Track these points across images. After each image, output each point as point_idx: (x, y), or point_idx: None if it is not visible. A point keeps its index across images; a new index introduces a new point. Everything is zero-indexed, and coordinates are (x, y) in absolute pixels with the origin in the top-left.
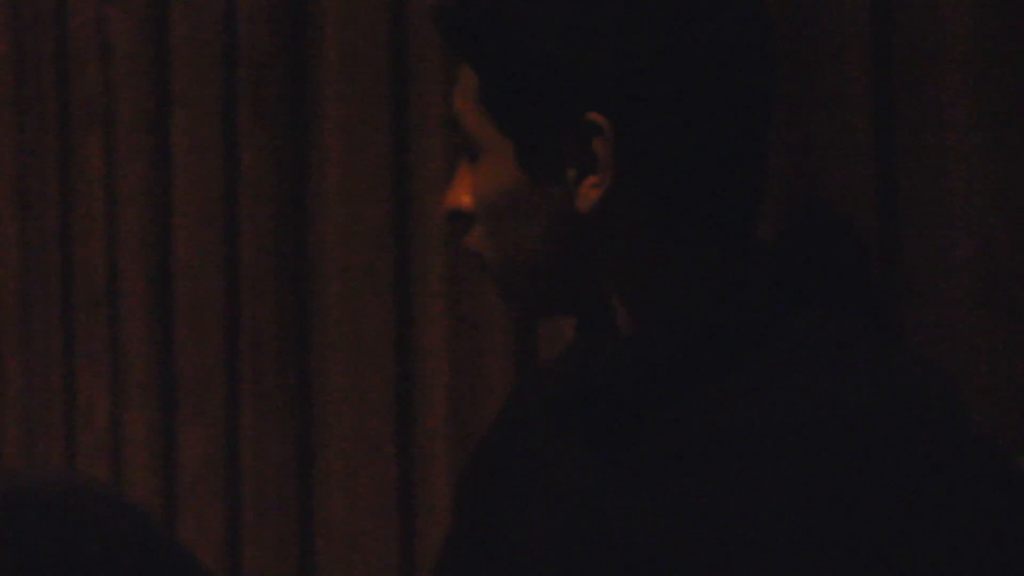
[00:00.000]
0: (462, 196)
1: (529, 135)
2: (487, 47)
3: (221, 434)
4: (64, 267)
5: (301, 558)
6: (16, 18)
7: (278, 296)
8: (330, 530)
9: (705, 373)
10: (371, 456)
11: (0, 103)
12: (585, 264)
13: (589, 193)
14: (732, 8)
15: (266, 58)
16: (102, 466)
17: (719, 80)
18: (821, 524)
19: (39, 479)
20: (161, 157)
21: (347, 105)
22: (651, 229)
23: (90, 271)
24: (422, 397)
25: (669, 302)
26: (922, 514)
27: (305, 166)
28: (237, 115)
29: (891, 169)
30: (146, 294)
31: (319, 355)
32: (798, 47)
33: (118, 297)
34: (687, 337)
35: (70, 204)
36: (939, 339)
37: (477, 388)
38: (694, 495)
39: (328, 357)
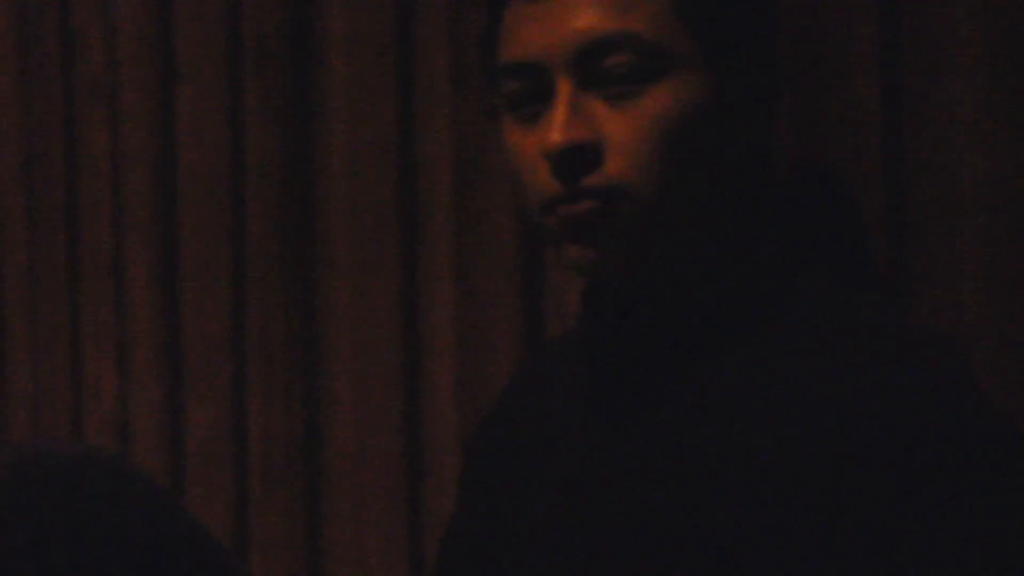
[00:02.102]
0: (583, 129)
1: (736, 43)
2: None
3: (228, 409)
4: (70, 243)
5: (308, 532)
6: None
7: (285, 271)
8: (337, 505)
9: (718, 341)
10: (378, 429)
11: (4, 79)
12: (726, 196)
13: (770, 108)
14: None
15: (272, 34)
16: (109, 442)
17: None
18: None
19: (49, 449)
20: (166, 134)
21: (353, 82)
22: (755, 161)
23: (96, 247)
24: (429, 371)
25: (695, 264)
26: (937, 478)
27: (311, 142)
28: (243, 91)
29: (899, 141)
30: (152, 270)
31: (326, 331)
32: (805, 22)
33: (124, 273)
34: (701, 306)
35: (75, 180)
36: (945, 311)
37: (484, 362)
38: (697, 462)
39: (335, 332)
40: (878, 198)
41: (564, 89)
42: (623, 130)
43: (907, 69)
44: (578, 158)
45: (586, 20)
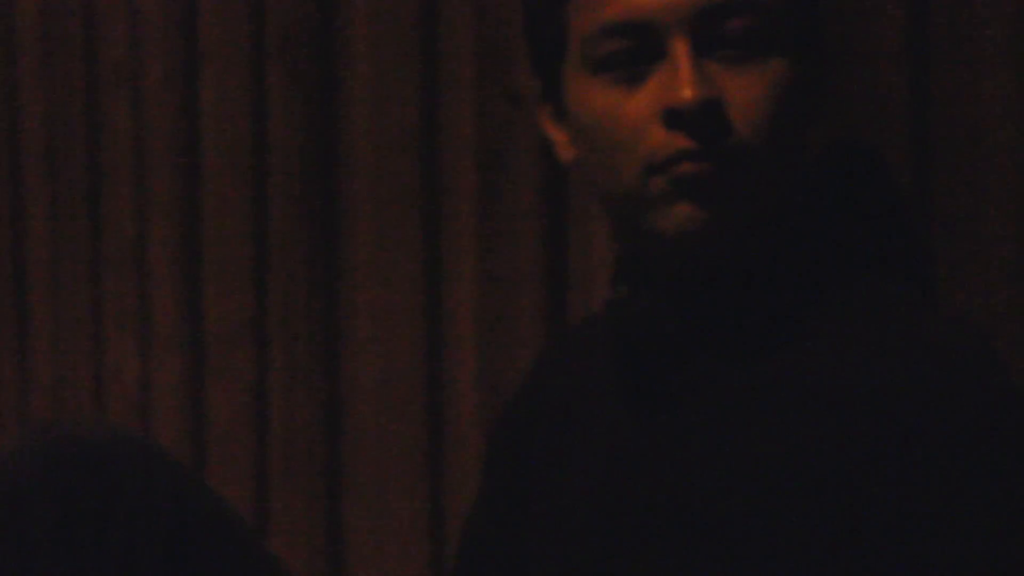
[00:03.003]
0: (711, 88)
1: (814, 30)
2: None
3: (249, 394)
4: (92, 226)
5: (329, 515)
6: None
7: (307, 253)
8: (358, 487)
9: (753, 329)
10: (399, 413)
11: (28, 63)
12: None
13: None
14: None
15: (296, 18)
16: (131, 424)
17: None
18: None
19: (79, 429)
20: (189, 116)
21: (377, 62)
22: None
23: (118, 230)
24: (451, 355)
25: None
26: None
27: (335, 123)
28: (266, 73)
29: (926, 128)
30: (174, 252)
31: (348, 312)
32: (832, 7)
33: (146, 255)
34: (736, 293)
35: (98, 163)
36: (975, 298)
37: (507, 347)
38: (728, 449)
39: (357, 315)
40: (905, 186)
41: (682, 49)
42: (744, 93)
43: (934, 55)
44: (709, 115)
45: None
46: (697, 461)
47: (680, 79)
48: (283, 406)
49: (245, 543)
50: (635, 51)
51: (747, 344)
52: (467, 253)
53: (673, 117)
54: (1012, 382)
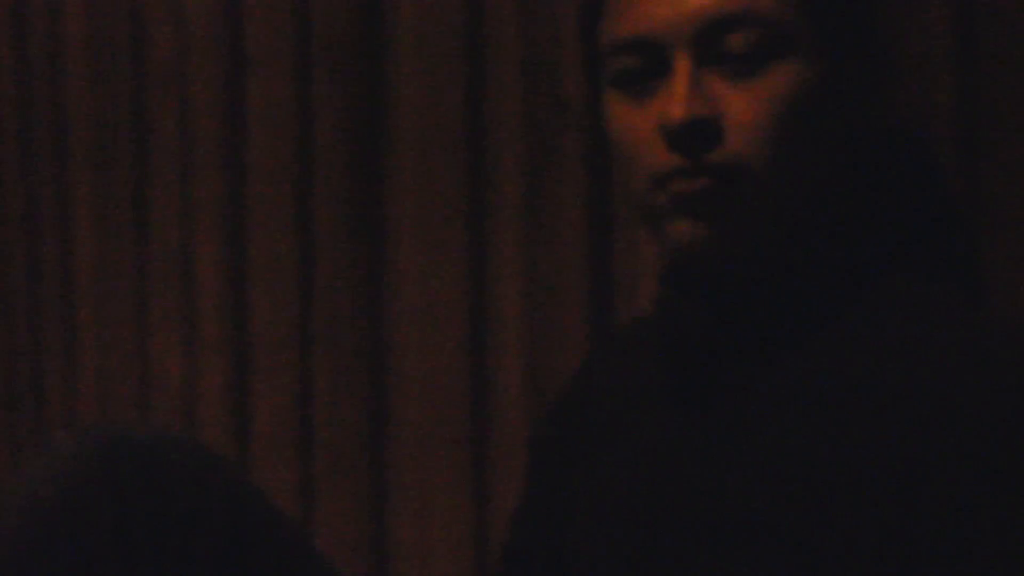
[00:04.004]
0: (705, 105)
1: (845, 33)
2: None
3: (294, 397)
4: (139, 230)
5: (373, 519)
6: None
7: (352, 258)
8: (402, 492)
9: (798, 331)
10: (444, 417)
11: (75, 68)
12: (832, 177)
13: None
14: None
15: (340, 23)
16: (175, 428)
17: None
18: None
19: (134, 432)
20: (236, 119)
21: (423, 66)
22: (855, 153)
23: (164, 234)
24: (496, 360)
25: (780, 251)
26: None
27: (380, 129)
28: (312, 77)
29: (974, 134)
30: (220, 256)
31: (393, 317)
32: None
33: (192, 260)
34: (782, 295)
35: (144, 166)
36: (1021, 300)
37: (552, 352)
38: (774, 450)
39: (402, 319)
40: (953, 183)
41: (684, 65)
42: (744, 108)
43: (983, 64)
44: (699, 133)
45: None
46: (744, 460)
47: (673, 97)
48: (328, 410)
49: (297, 545)
50: (644, 67)
51: (792, 344)
52: (512, 257)
53: (666, 135)
54: None
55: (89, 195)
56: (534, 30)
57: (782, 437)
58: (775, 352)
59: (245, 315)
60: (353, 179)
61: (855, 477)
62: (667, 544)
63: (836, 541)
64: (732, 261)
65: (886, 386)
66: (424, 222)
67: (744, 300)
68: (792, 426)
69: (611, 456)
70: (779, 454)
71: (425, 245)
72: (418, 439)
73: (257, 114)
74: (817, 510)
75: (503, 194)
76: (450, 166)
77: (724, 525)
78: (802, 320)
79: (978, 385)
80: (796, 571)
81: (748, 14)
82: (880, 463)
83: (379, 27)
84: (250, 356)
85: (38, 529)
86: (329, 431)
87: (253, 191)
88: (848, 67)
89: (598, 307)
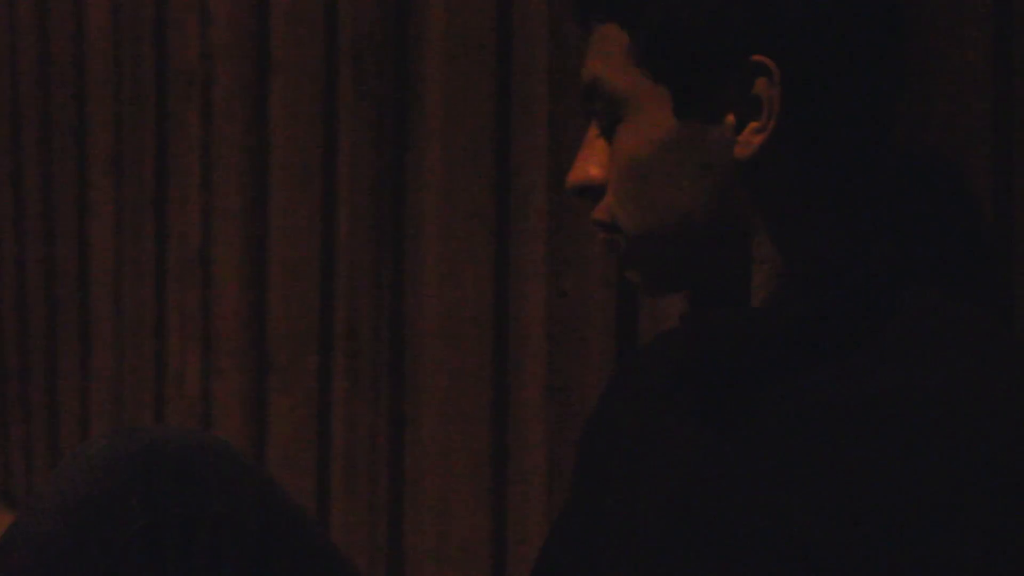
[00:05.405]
0: (590, 169)
1: (690, 82)
2: None
3: (312, 403)
4: (158, 232)
5: (391, 527)
6: None
7: (374, 265)
8: (421, 499)
9: (824, 348)
10: (464, 425)
11: (98, 68)
12: (732, 223)
13: (751, 139)
14: None
15: (368, 27)
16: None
17: (871, 27)
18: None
19: (168, 436)
20: (259, 125)
21: (449, 76)
22: (799, 188)
23: (184, 237)
24: (518, 369)
25: (803, 268)
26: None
27: (405, 137)
28: (337, 85)
29: (1009, 149)
30: (240, 261)
31: (414, 325)
32: (917, 13)
33: (212, 263)
34: (808, 311)
35: (166, 170)
36: None
37: (576, 361)
38: (802, 467)
39: (423, 328)
40: (983, 205)
41: (591, 129)
42: (611, 169)
43: (1019, 79)
44: (585, 195)
45: (585, 66)
46: (771, 479)
47: (574, 161)
48: (345, 416)
49: (326, 551)
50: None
51: (820, 363)
52: (536, 268)
53: None
54: None
55: (108, 197)
56: (562, 34)
57: (809, 456)
58: (802, 371)
59: (264, 319)
60: (376, 186)
61: (881, 500)
62: (693, 560)
63: (863, 563)
64: (685, 293)
65: (908, 410)
66: (448, 228)
67: (758, 323)
68: (819, 445)
69: (641, 470)
70: (805, 474)
71: (449, 252)
72: (437, 447)
73: (280, 117)
74: (842, 531)
75: (528, 202)
76: (475, 174)
77: (749, 543)
78: (831, 337)
79: (994, 410)
80: None
81: (594, 84)
82: (903, 489)
83: (406, 33)
84: (268, 361)
85: (71, 532)
86: (347, 438)
87: (274, 196)
88: (721, 109)
89: (622, 317)
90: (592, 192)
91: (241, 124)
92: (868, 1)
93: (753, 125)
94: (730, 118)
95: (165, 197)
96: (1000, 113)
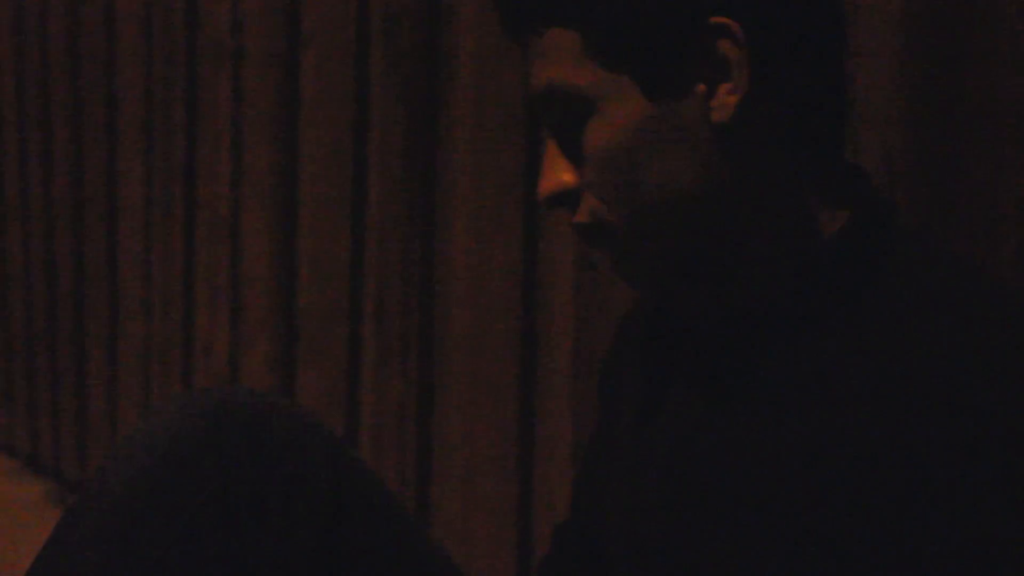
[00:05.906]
0: (562, 175)
1: (654, 62)
2: None
3: (340, 374)
4: (188, 202)
5: (419, 498)
6: None
7: (404, 237)
8: (448, 470)
9: (818, 312)
10: (492, 397)
11: (129, 39)
12: (720, 195)
13: (727, 101)
14: None
15: (400, 3)
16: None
17: None
18: (916, 465)
19: (239, 397)
20: (290, 96)
21: (480, 50)
22: (778, 147)
23: (214, 206)
24: (545, 340)
25: (792, 231)
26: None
27: (436, 111)
28: (369, 58)
29: None
30: (270, 232)
31: (443, 296)
32: (951, 24)
33: (241, 234)
34: (802, 277)
35: (196, 140)
36: None
37: (603, 335)
38: (797, 429)
39: (452, 299)
40: (1018, 190)
41: (551, 139)
42: (584, 171)
43: None
44: (560, 203)
45: (533, 76)
46: (762, 448)
47: (541, 172)
48: (374, 388)
49: (395, 512)
50: None
51: (810, 331)
52: (565, 242)
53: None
54: None
55: (139, 166)
56: None
57: (800, 426)
58: (793, 340)
59: (293, 291)
60: (407, 158)
61: (867, 470)
62: (684, 526)
63: (846, 530)
64: (658, 283)
65: (898, 379)
66: (478, 202)
67: (737, 301)
68: (810, 415)
69: (640, 430)
70: (796, 443)
71: (478, 224)
72: (464, 416)
73: (311, 93)
74: (827, 499)
75: None
76: (506, 149)
77: (737, 511)
78: (820, 306)
79: (995, 373)
80: (807, 555)
81: (550, 90)
82: (892, 457)
83: (438, 6)
84: (296, 332)
85: (142, 496)
86: (375, 409)
87: (305, 169)
88: (690, 95)
89: None
90: (568, 199)
91: (272, 95)
92: None
93: (726, 87)
94: (701, 87)
95: (195, 166)
96: None
